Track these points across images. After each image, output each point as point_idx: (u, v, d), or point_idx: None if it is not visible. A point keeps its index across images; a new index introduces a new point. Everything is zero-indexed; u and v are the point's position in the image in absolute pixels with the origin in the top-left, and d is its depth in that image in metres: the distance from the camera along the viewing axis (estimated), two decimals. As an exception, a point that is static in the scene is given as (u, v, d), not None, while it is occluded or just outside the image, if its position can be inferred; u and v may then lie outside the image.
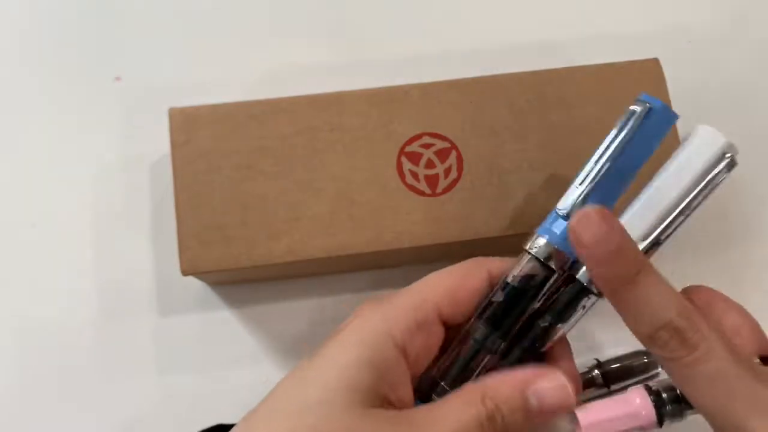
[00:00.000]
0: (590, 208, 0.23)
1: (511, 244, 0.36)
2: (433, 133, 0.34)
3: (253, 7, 0.42)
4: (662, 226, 0.25)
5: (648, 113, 0.25)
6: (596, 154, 0.26)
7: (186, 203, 0.32)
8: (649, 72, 0.35)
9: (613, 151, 0.26)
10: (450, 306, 0.26)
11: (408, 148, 0.33)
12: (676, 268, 0.40)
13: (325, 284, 0.38)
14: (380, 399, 0.23)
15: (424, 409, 0.24)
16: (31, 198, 0.39)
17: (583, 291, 0.26)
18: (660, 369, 0.37)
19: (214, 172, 0.33)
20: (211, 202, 0.32)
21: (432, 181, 0.33)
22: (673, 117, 0.26)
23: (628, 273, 0.23)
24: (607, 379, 0.36)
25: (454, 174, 0.33)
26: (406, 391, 0.25)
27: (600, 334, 0.38)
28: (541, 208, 0.33)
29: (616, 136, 0.26)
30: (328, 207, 0.33)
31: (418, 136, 0.34)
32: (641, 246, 0.25)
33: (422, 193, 0.33)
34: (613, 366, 0.37)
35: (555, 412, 0.24)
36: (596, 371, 0.36)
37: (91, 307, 0.37)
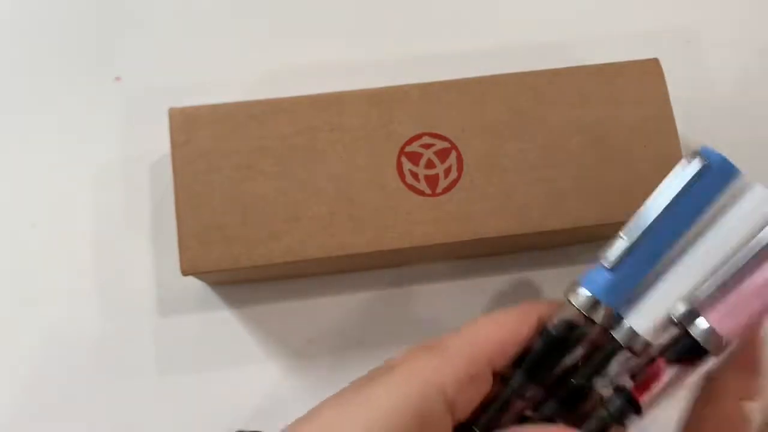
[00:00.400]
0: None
1: (512, 244, 0.36)
2: (433, 133, 0.34)
3: (253, 7, 0.42)
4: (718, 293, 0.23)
5: (705, 170, 0.24)
6: (645, 205, 0.25)
7: (186, 203, 0.32)
8: (649, 72, 0.35)
9: (663, 205, 0.24)
10: (502, 358, 0.25)
11: (408, 148, 0.33)
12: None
13: (325, 284, 0.38)
14: None
15: None
16: (31, 198, 0.39)
17: (616, 349, 0.25)
18: None
19: (214, 172, 0.33)
20: (211, 202, 0.32)
21: (432, 181, 0.33)
22: (735, 172, 0.25)
23: None
24: None
25: (454, 174, 0.33)
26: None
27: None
28: (542, 208, 0.33)
29: (668, 189, 0.24)
30: (328, 207, 0.33)
31: (418, 136, 0.34)
32: (680, 306, 0.24)
33: (422, 193, 0.33)
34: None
35: None
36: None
37: (91, 307, 0.37)
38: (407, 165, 0.33)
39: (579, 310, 0.24)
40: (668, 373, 0.24)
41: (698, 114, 0.41)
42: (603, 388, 0.25)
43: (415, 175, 0.33)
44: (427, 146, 0.34)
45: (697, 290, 0.24)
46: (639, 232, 0.24)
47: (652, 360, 0.24)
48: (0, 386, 0.36)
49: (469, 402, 0.25)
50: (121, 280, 0.37)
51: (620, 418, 0.24)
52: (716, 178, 0.24)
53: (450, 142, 0.34)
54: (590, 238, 0.37)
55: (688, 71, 0.42)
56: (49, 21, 0.42)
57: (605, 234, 0.37)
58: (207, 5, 0.42)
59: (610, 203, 0.34)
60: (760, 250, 0.23)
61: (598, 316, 0.24)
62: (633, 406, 0.24)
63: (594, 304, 0.24)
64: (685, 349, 0.24)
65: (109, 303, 0.37)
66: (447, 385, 0.23)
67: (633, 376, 0.25)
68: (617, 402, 0.24)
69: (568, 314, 0.25)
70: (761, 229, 0.23)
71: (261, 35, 0.42)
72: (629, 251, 0.24)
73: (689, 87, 0.41)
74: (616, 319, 0.25)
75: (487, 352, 0.25)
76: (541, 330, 0.25)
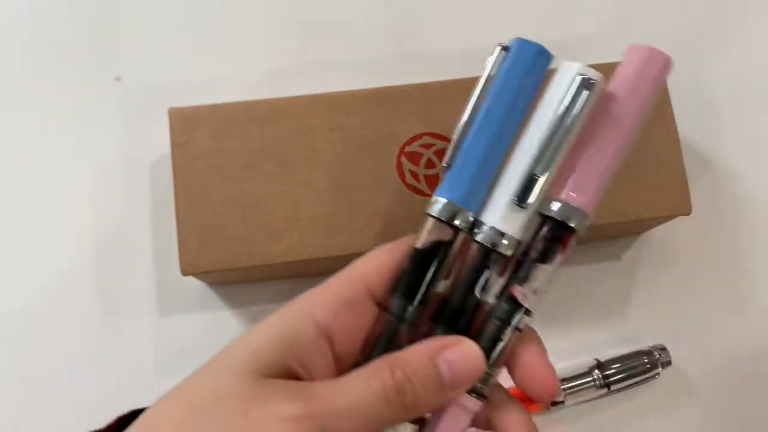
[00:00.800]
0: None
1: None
2: (433, 133, 0.34)
3: (253, 8, 0.42)
4: (544, 158, 0.24)
5: (509, 55, 0.25)
6: (468, 103, 0.25)
7: (186, 203, 0.32)
8: (649, 72, 0.35)
9: (475, 95, 0.25)
10: (380, 284, 0.25)
11: (408, 148, 0.33)
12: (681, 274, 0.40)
13: (325, 284, 0.38)
14: (285, 373, 0.23)
15: (328, 382, 0.23)
16: (32, 197, 0.39)
17: (485, 254, 0.24)
18: (660, 370, 0.37)
19: (214, 172, 0.33)
20: (211, 202, 0.32)
21: (432, 181, 0.33)
22: (545, 54, 0.25)
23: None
24: (607, 379, 0.36)
25: (454, 174, 0.33)
26: (321, 371, 0.24)
27: (599, 334, 0.38)
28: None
29: (481, 81, 0.25)
30: (328, 207, 0.33)
31: (418, 136, 0.34)
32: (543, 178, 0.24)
33: (422, 193, 0.33)
34: (613, 367, 0.37)
35: (467, 381, 0.23)
36: (596, 372, 0.36)
37: (91, 306, 0.37)
38: (407, 165, 0.33)
39: (436, 217, 0.24)
40: (545, 268, 0.24)
41: (698, 114, 0.41)
42: (488, 299, 0.24)
43: (415, 175, 0.33)
44: (427, 146, 0.34)
45: (535, 170, 0.24)
46: (461, 125, 0.24)
47: (525, 254, 0.24)
48: (0, 386, 0.36)
49: (347, 328, 0.24)
50: (121, 279, 0.37)
51: (509, 321, 0.24)
52: (525, 63, 0.25)
53: (450, 141, 0.34)
54: (589, 237, 0.37)
55: (688, 71, 0.42)
56: (50, 21, 0.42)
57: (604, 233, 0.37)
58: (207, 6, 0.42)
59: (610, 204, 0.33)
60: (574, 122, 0.23)
61: (459, 221, 0.24)
62: (517, 306, 0.24)
63: (449, 209, 0.24)
64: (552, 234, 0.24)
65: (109, 303, 0.37)
66: (317, 309, 0.24)
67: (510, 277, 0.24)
68: (503, 306, 0.24)
69: (431, 229, 0.25)
70: (574, 101, 0.24)
71: (261, 35, 0.42)
72: (459, 146, 0.25)
73: (689, 87, 0.41)
74: (478, 223, 0.24)
75: (362, 277, 0.25)
76: (410, 250, 0.25)
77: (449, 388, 0.23)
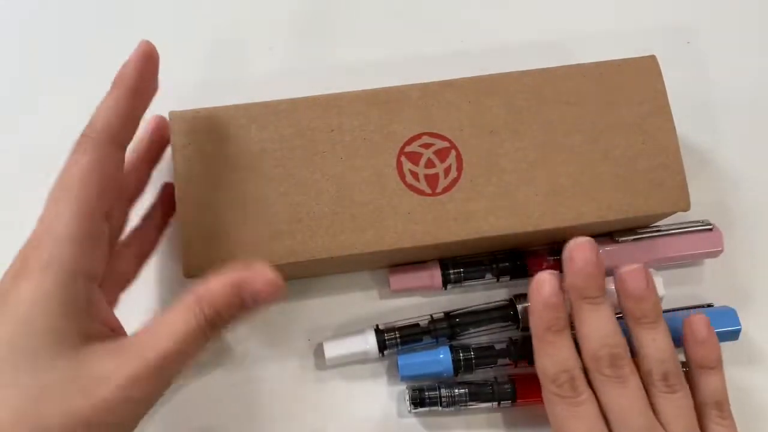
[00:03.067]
0: (583, 238, 0.32)
1: (512, 243, 0.36)
2: (433, 133, 0.34)
3: (253, 10, 0.42)
4: None
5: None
6: None
7: (188, 206, 0.32)
8: (646, 69, 0.35)
9: None
10: (102, 200, 0.26)
11: (408, 148, 0.34)
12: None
13: (325, 284, 0.38)
14: (84, 335, 0.24)
15: (139, 332, 0.24)
16: (32, 198, 0.39)
17: None
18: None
19: (215, 174, 0.33)
20: (212, 204, 0.32)
21: (432, 180, 0.33)
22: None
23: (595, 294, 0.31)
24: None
25: (453, 173, 0.34)
26: (109, 317, 0.25)
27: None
28: (541, 206, 0.33)
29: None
30: (329, 208, 0.33)
31: (418, 136, 0.34)
32: None
33: (422, 193, 0.33)
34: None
35: (269, 300, 0.26)
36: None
37: (94, 309, 0.37)
38: (407, 165, 0.34)
39: None
40: None
41: (698, 114, 0.42)
42: None
43: (415, 175, 0.33)
44: (427, 146, 0.34)
45: None
46: None
47: None
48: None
49: (102, 258, 0.26)
50: (124, 282, 0.38)
51: None
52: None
53: (449, 141, 0.34)
54: (587, 234, 0.38)
55: (688, 71, 0.42)
56: (50, 21, 0.42)
57: (604, 231, 0.37)
58: (207, 7, 0.42)
59: (609, 201, 0.34)
60: None
61: None
62: None
63: None
64: None
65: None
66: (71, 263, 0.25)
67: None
68: None
69: None
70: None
71: (260, 37, 0.42)
72: None
73: (689, 87, 0.42)
74: None
75: (88, 205, 0.26)
76: None
77: (252, 308, 0.26)
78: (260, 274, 0.26)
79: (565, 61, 0.35)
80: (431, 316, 0.37)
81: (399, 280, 0.37)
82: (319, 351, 0.37)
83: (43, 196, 0.27)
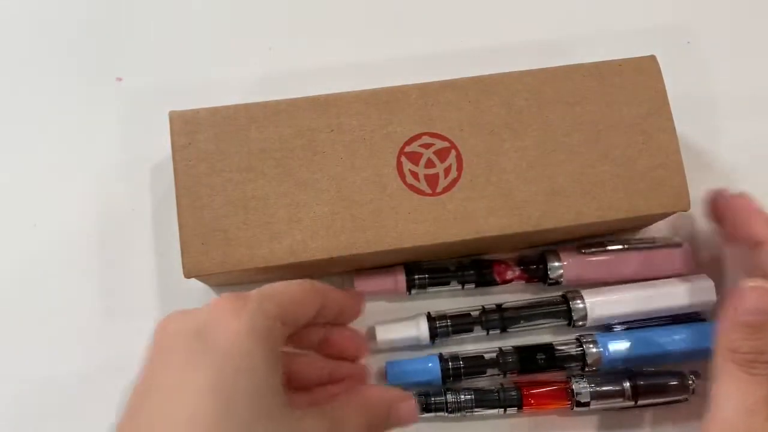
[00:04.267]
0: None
1: (512, 243, 0.36)
2: (433, 133, 0.34)
3: (253, 9, 0.42)
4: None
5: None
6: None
7: (187, 206, 0.32)
8: (646, 69, 0.35)
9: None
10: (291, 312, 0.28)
11: (408, 148, 0.34)
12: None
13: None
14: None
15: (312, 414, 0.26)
16: (33, 199, 0.39)
17: None
18: (689, 395, 0.35)
19: (215, 174, 0.33)
20: (212, 204, 0.32)
21: (432, 180, 0.33)
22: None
23: None
24: (636, 392, 0.35)
25: (453, 173, 0.34)
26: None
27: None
28: (541, 206, 0.33)
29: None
30: (329, 208, 0.33)
31: (418, 136, 0.34)
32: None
33: (422, 193, 0.33)
34: (643, 381, 0.35)
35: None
36: (627, 383, 0.35)
37: (93, 309, 0.37)
38: (407, 165, 0.33)
39: None
40: None
41: (698, 114, 0.42)
42: None
43: (415, 175, 0.33)
44: (427, 146, 0.34)
45: None
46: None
47: None
48: (1, 386, 0.36)
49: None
50: (123, 283, 0.38)
51: None
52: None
53: (449, 141, 0.34)
54: (589, 235, 0.38)
55: (688, 71, 0.42)
56: (51, 22, 0.42)
57: (604, 231, 0.37)
58: (207, 7, 0.42)
59: (609, 200, 0.34)
60: None
61: None
62: None
63: None
64: None
65: (111, 306, 0.37)
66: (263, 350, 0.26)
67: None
68: None
69: None
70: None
71: (261, 37, 0.42)
72: None
73: (689, 87, 0.42)
74: None
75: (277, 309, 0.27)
76: None
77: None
78: (408, 401, 0.29)
79: (565, 61, 0.35)
80: (483, 307, 0.36)
81: (363, 283, 0.36)
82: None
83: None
